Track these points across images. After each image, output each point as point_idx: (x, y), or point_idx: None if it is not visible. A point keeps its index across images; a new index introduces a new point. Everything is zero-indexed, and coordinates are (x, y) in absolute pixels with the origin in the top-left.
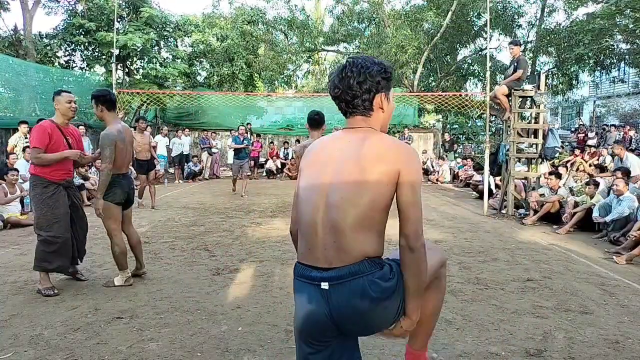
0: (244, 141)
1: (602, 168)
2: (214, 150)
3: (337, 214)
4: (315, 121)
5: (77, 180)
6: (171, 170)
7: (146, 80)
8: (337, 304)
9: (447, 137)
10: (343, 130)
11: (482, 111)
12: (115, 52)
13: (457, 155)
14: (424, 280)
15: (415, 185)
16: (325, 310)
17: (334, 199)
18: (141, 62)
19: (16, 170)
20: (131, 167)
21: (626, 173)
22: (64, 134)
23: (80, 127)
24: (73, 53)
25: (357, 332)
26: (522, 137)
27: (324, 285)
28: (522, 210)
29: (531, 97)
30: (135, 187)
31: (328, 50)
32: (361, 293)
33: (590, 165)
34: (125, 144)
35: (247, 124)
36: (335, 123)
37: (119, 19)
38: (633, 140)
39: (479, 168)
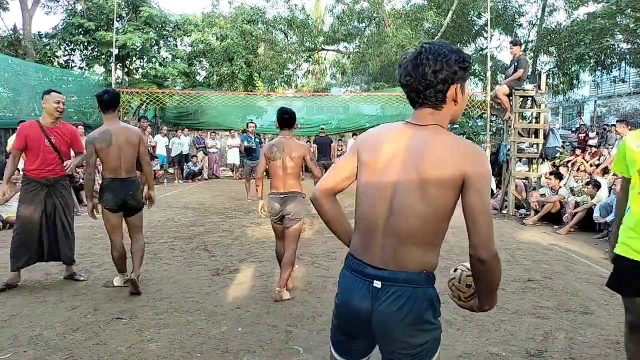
0: (254, 141)
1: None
2: (212, 150)
3: (399, 222)
4: (286, 121)
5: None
6: (171, 170)
7: (145, 79)
8: (383, 305)
9: None
10: (407, 123)
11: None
12: (115, 51)
13: None
14: (496, 289)
15: (484, 189)
16: (369, 308)
17: (397, 205)
18: (140, 62)
19: (17, 169)
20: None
21: None
22: (46, 134)
23: (79, 127)
24: (72, 53)
25: (386, 342)
26: (523, 136)
27: (377, 284)
28: (522, 211)
29: (532, 96)
30: (136, 193)
31: (328, 50)
32: (411, 304)
33: (591, 165)
34: (110, 146)
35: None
36: (335, 122)
37: (118, 19)
38: None
39: None
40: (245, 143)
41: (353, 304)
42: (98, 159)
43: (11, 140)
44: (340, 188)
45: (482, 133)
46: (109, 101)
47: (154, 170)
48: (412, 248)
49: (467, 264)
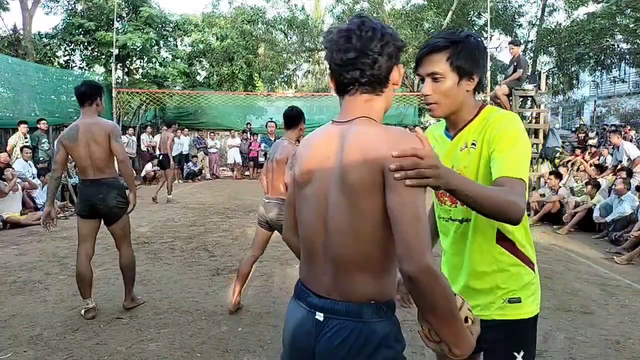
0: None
1: (602, 168)
2: (212, 150)
3: (336, 243)
4: (291, 118)
5: (76, 180)
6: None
7: (146, 79)
8: (322, 342)
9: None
10: (333, 123)
11: None
12: (115, 51)
13: None
14: (451, 318)
15: (406, 188)
16: (312, 343)
17: (331, 224)
18: (141, 62)
19: (10, 167)
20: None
21: (628, 173)
22: None
23: None
24: (72, 53)
25: None
26: None
27: (319, 316)
28: None
29: (532, 96)
30: (108, 196)
31: None
32: (351, 340)
33: (590, 165)
34: (77, 143)
35: (247, 123)
36: None
37: (118, 19)
38: (633, 140)
39: None
40: (263, 146)
41: (296, 338)
42: (71, 157)
43: (11, 140)
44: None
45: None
46: (83, 93)
47: (154, 171)
48: (356, 274)
49: None
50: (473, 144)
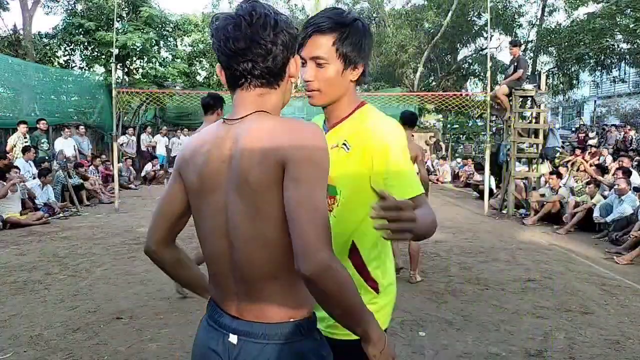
0: None
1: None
2: None
3: (242, 257)
4: (410, 119)
5: (76, 180)
6: (171, 170)
7: (146, 79)
8: None
9: (430, 138)
10: (225, 121)
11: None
12: (115, 51)
13: (443, 155)
14: (354, 306)
15: (305, 176)
16: None
17: (234, 235)
18: (141, 62)
19: (17, 168)
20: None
21: (627, 173)
22: None
23: (80, 127)
24: (72, 53)
25: None
26: (523, 136)
27: (232, 338)
28: (522, 211)
29: (532, 96)
30: None
31: None
32: None
33: (591, 166)
34: None
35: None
36: None
37: (118, 19)
38: (634, 140)
39: (479, 168)
40: None
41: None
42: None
43: (11, 140)
44: (178, 230)
45: (482, 133)
46: (208, 103)
47: (154, 171)
48: (269, 290)
49: None
50: (344, 144)
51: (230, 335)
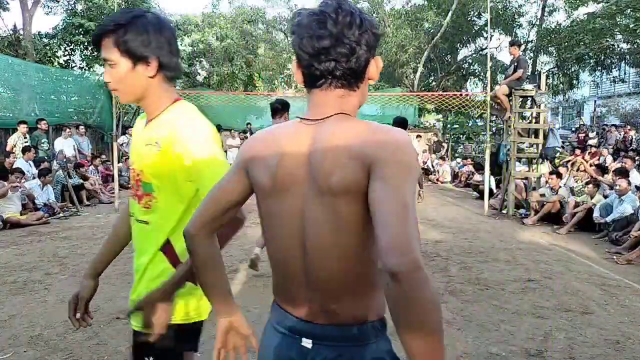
0: None
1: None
2: None
3: (317, 263)
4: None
5: (76, 180)
6: None
7: None
8: None
9: (431, 138)
10: (303, 121)
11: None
12: None
13: (442, 155)
14: (435, 322)
15: (395, 178)
16: None
17: (310, 241)
18: None
19: (22, 173)
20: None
21: (624, 174)
22: None
23: (80, 127)
24: (72, 53)
25: None
26: (523, 136)
27: (306, 343)
28: (522, 211)
29: (532, 96)
30: None
31: None
32: None
33: (591, 166)
34: None
35: (248, 123)
36: None
37: None
38: (634, 140)
39: (479, 168)
40: None
41: None
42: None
43: (11, 140)
44: (224, 221)
45: (482, 133)
46: (277, 108)
47: None
48: (345, 296)
49: None
50: (157, 142)
51: (304, 339)
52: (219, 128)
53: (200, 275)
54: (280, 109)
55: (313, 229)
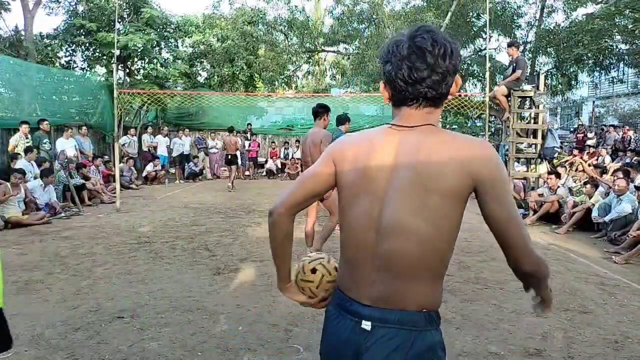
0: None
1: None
2: (213, 150)
3: (393, 247)
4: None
5: (78, 180)
6: (172, 170)
7: (147, 80)
8: (371, 352)
9: None
10: (393, 127)
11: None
12: (116, 52)
13: None
14: (547, 277)
15: (504, 195)
16: (359, 354)
17: (389, 226)
18: (142, 63)
19: (22, 173)
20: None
21: (627, 173)
22: None
23: (83, 127)
24: (74, 53)
25: None
26: (522, 137)
27: (365, 325)
28: (521, 210)
29: (530, 97)
30: None
31: (328, 51)
32: (404, 349)
33: (589, 166)
34: (304, 143)
35: (248, 124)
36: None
37: (119, 20)
38: (632, 140)
39: None
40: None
41: (340, 349)
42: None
43: (12, 140)
44: (305, 206)
45: (481, 133)
46: (317, 111)
47: (155, 171)
48: (411, 280)
49: (308, 256)
50: None
51: (364, 322)
52: (232, 129)
53: (278, 248)
54: (321, 112)
55: (396, 215)
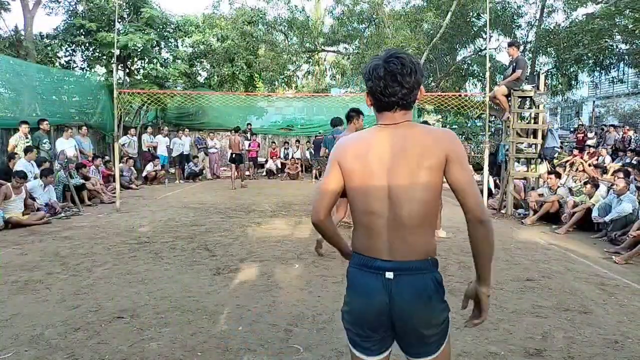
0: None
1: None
2: (212, 150)
3: (403, 212)
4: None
5: (78, 180)
6: (172, 170)
7: (147, 80)
8: (398, 295)
9: None
10: (382, 126)
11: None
12: (116, 52)
13: None
14: (492, 246)
15: (465, 164)
16: (386, 299)
17: (397, 198)
18: (142, 63)
19: (24, 177)
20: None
21: (627, 174)
22: None
23: (83, 127)
24: (74, 53)
25: (405, 330)
26: (522, 137)
27: (389, 275)
28: (521, 210)
29: (530, 97)
30: None
31: (328, 51)
32: (423, 289)
33: (590, 166)
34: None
35: (248, 124)
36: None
37: (119, 20)
38: (632, 140)
39: (478, 168)
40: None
41: (370, 298)
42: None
43: (12, 140)
44: (334, 204)
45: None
46: (349, 115)
47: (155, 171)
48: (416, 235)
49: None
50: None
51: (387, 273)
52: (237, 129)
53: (332, 240)
54: (354, 116)
55: (401, 190)
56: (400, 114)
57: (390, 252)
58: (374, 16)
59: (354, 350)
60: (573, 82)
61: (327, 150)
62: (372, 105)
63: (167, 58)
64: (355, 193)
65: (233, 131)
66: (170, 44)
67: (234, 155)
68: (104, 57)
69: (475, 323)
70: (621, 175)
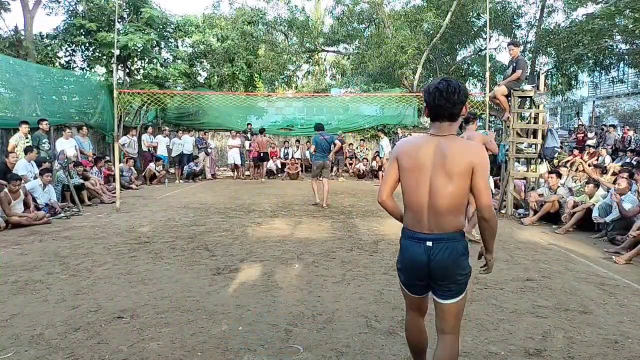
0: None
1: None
2: (208, 150)
3: (438, 201)
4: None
5: (77, 180)
6: (172, 170)
7: (147, 80)
8: (435, 256)
9: (400, 133)
10: (432, 135)
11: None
12: (116, 52)
13: None
14: (495, 234)
15: (485, 173)
16: (425, 259)
17: (434, 191)
18: (142, 63)
19: (20, 179)
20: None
21: (631, 175)
22: None
23: (83, 127)
24: (74, 53)
25: (441, 278)
26: (522, 137)
27: (429, 243)
28: (521, 210)
29: (530, 97)
30: None
31: (328, 51)
32: (452, 251)
33: (589, 166)
34: None
35: (248, 124)
36: (335, 123)
37: (119, 20)
38: (632, 140)
39: None
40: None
41: (415, 258)
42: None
43: (12, 140)
44: (394, 189)
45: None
46: (466, 118)
47: (156, 171)
48: (448, 217)
49: None
50: None
51: (427, 242)
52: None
53: (395, 215)
54: (472, 118)
55: (438, 187)
56: (446, 124)
57: (429, 227)
58: (374, 16)
59: (406, 290)
60: (573, 82)
61: (315, 148)
62: (428, 116)
63: (167, 58)
64: (406, 186)
65: (259, 132)
66: (170, 44)
67: (261, 155)
68: (104, 57)
69: (485, 273)
70: (625, 175)
